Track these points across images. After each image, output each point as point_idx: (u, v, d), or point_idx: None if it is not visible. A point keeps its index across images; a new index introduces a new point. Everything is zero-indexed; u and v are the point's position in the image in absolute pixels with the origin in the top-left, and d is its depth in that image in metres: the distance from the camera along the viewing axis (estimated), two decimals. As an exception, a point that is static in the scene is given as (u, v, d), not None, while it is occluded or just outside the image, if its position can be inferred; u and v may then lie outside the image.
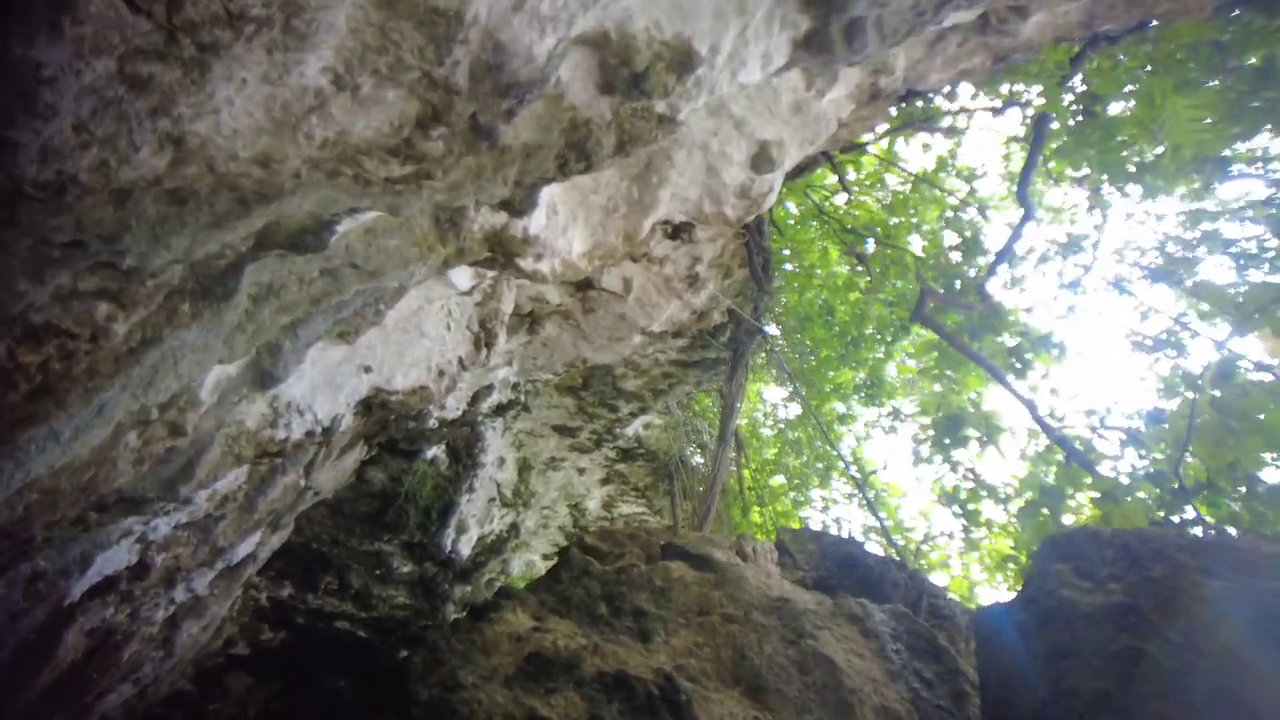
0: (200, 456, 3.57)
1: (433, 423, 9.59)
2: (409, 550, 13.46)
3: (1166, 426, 4.68)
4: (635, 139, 2.70)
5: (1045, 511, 5.02)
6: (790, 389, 12.98)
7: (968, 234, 8.49)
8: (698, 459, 17.97)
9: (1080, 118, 7.62)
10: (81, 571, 4.05)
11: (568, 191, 3.89)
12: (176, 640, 5.67)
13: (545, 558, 20.85)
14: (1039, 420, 7.23)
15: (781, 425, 13.23)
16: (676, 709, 2.90)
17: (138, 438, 2.81)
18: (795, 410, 13.41)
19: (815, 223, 10.28)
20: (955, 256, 8.98)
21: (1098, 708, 1.95)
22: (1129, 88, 6.08)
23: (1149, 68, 6.56)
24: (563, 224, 3.73)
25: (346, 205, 2.19)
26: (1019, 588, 2.80)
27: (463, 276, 5.43)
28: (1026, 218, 8.25)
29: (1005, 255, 8.47)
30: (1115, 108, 6.92)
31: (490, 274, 5.77)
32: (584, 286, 8.97)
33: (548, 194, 3.41)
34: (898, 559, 7.29)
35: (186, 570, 5.09)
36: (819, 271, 11.02)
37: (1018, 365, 8.09)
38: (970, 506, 7.99)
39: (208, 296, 2.25)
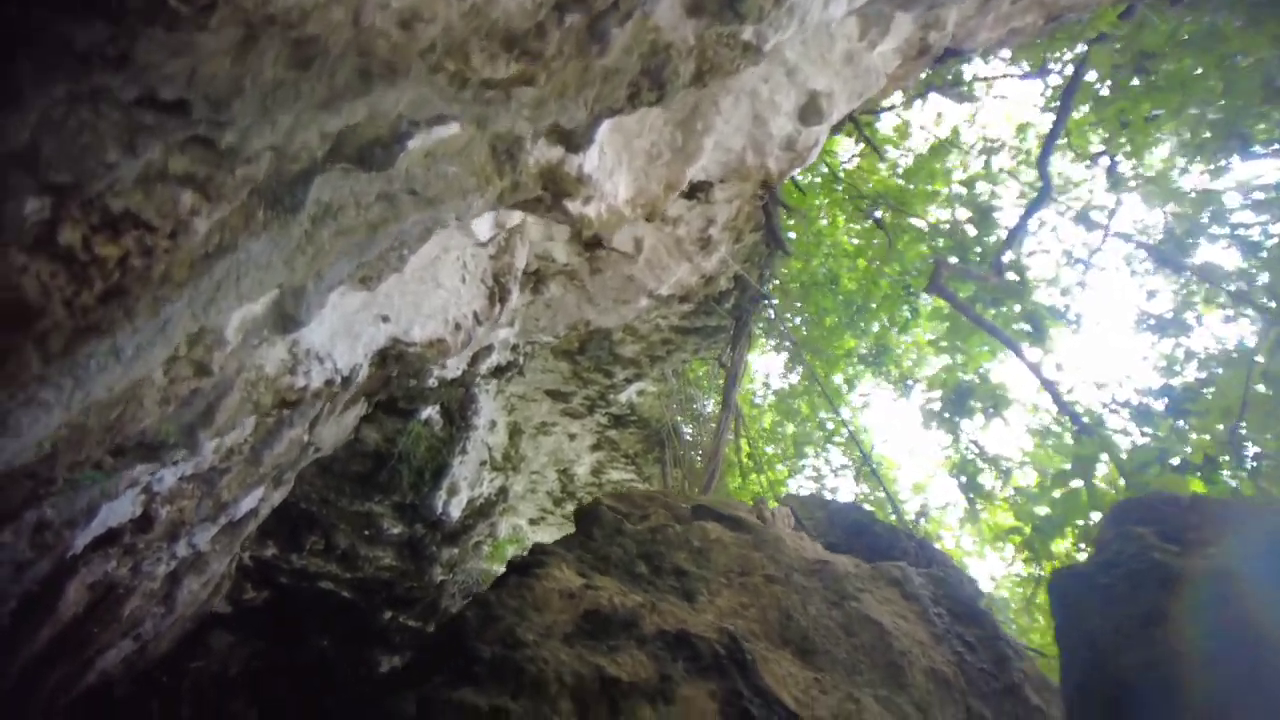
0: (220, 401, 3.34)
1: (432, 382, 9.36)
2: (400, 511, 13.30)
3: (1210, 397, 4.66)
4: (715, 69, 2.49)
5: (1077, 482, 5.00)
6: (790, 357, 12.89)
7: (983, 204, 8.38)
8: (688, 428, 17.97)
9: (1115, 82, 7.48)
10: (87, 522, 3.82)
11: (613, 134, 3.67)
12: (177, 596, 5.47)
13: (532, 522, 20.84)
14: (1052, 392, 7.21)
15: (777, 394, 13.20)
16: (744, 668, 2.81)
17: (164, 375, 2.59)
18: (792, 379, 13.38)
19: (826, 189, 10.09)
20: (970, 228, 8.87)
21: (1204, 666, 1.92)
22: (1174, 51, 5.95)
23: (1190, 37, 6.43)
24: (609, 168, 3.51)
25: (433, 112, 1.98)
26: (1093, 552, 2.75)
27: (484, 225, 5.19)
28: (1045, 190, 8.14)
29: (1021, 228, 8.37)
30: (1150, 75, 6.78)
31: (511, 224, 5.53)
32: (593, 245, 8.72)
33: (599, 134, 3.19)
34: (905, 528, 7.30)
35: (190, 524, 4.88)
36: (826, 240, 10.87)
37: (1031, 336, 8.05)
38: (975, 478, 8.02)
39: (278, 205, 2.02)
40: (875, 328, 11.09)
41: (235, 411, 3.54)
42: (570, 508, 20.28)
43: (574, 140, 2.78)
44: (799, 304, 12.26)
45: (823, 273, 11.63)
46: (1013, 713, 3.17)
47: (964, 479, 8.22)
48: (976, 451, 8.82)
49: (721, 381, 18.41)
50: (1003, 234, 8.47)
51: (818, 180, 10.32)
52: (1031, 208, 8.14)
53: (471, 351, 9.89)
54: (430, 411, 12.05)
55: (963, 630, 3.70)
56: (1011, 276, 8.45)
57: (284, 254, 2.28)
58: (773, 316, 11.68)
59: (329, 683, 18.89)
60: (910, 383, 10.48)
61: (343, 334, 4.30)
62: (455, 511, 15.32)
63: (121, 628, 4.99)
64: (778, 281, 12.11)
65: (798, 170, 4.91)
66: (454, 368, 9.51)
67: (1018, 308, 8.18)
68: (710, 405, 17.34)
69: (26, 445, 1.97)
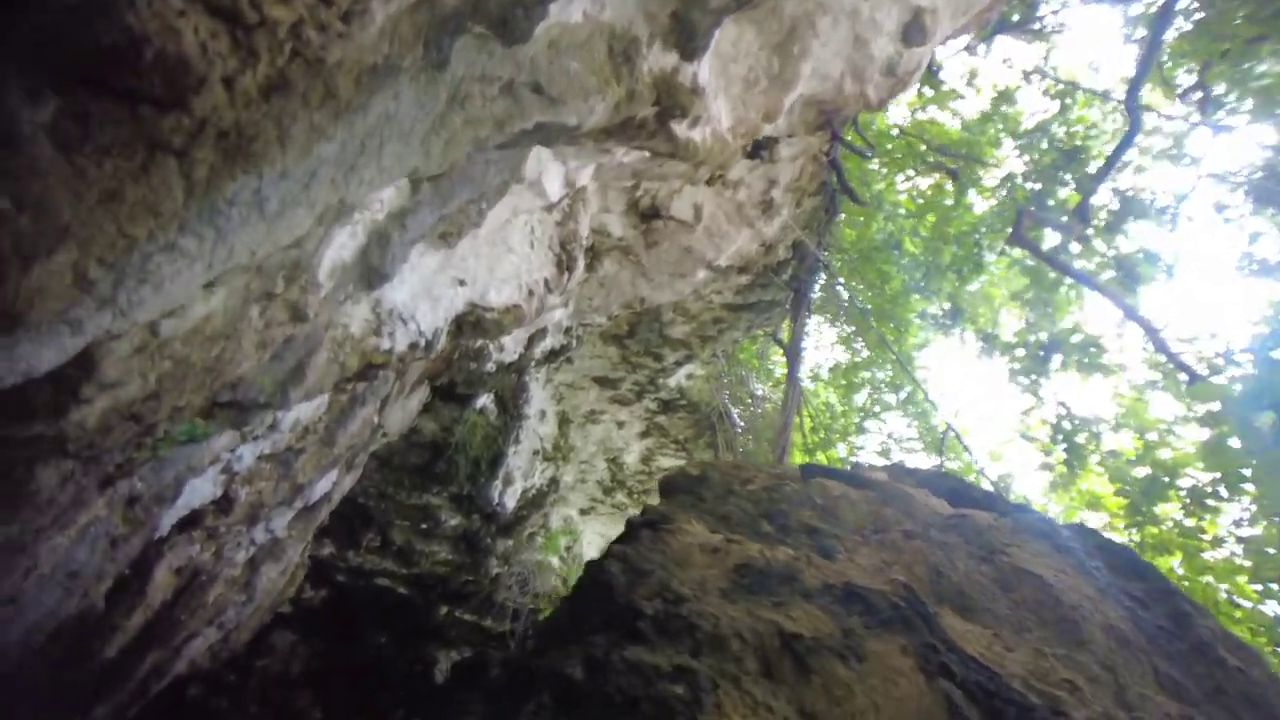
0: (311, 358, 3.13)
1: (490, 366, 9.17)
2: (457, 503, 13.21)
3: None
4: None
5: (1226, 428, 4.52)
6: (851, 327, 12.42)
7: (1065, 148, 7.83)
8: (738, 411, 17.57)
9: (1210, 6, 6.88)
10: (172, 500, 3.66)
11: (710, 60, 3.36)
12: (256, 584, 5.35)
13: (582, 512, 20.70)
14: (1156, 340, 6.67)
15: (833, 370, 12.73)
16: (928, 622, 2.50)
17: (260, 316, 2.38)
18: (855, 350, 12.88)
19: (888, 147, 9.60)
20: (1050, 176, 8.33)
21: None
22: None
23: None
24: (713, 91, 3.20)
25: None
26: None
27: (555, 184, 4.92)
28: (1133, 130, 7.56)
29: (1108, 171, 7.80)
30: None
31: (581, 182, 5.25)
32: (649, 217, 8.42)
33: (712, 41, 2.89)
34: (1001, 493, 6.85)
35: (268, 507, 4.72)
36: (886, 203, 10.39)
37: (1123, 284, 7.50)
38: (1072, 438, 7.51)
39: (429, 50, 1.77)
40: (946, 288, 10.56)
41: (324, 373, 3.33)
42: (620, 497, 20.08)
43: (690, 43, 2.48)
44: (857, 273, 11.78)
45: (881, 238, 11.14)
46: (1206, 674, 2.77)
47: (1059, 441, 7.72)
48: (1064, 413, 8.29)
49: (775, 360, 17.98)
50: (1088, 179, 7.93)
51: (881, 135, 9.83)
52: (1119, 149, 7.57)
53: (526, 335, 9.68)
54: (485, 400, 11.90)
55: (1126, 585, 3.31)
56: (1100, 223, 7.90)
57: (424, 127, 2.02)
58: (832, 285, 11.24)
59: (388, 679, 19.05)
60: (988, 343, 9.93)
61: (423, 296, 4.07)
62: (510, 502, 15.20)
63: (207, 615, 4.86)
64: (832, 252, 11.66)
65: (894, 99, 4.53)
66: (511, 350, 9.31)
67: (1108, 255, 7.64)
68: (761, 388, 16.92)
69: (169, 300, 1.71)
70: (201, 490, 4.03)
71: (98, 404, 1.92)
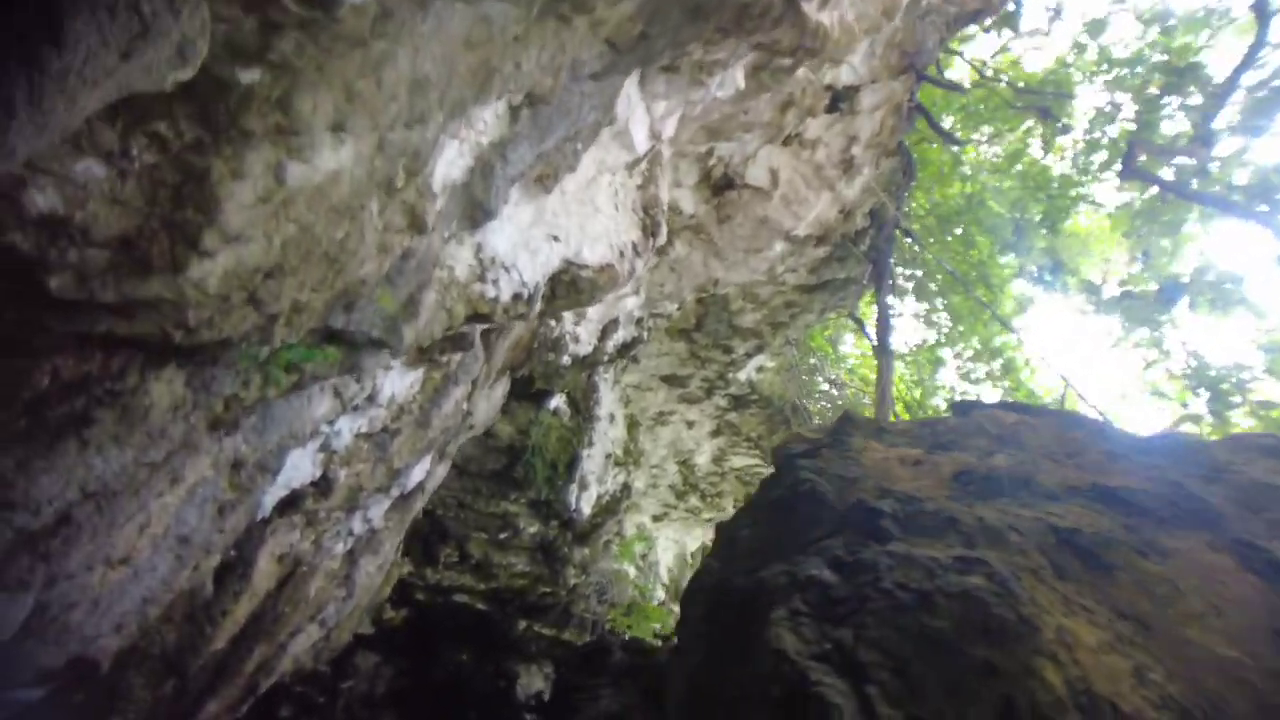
0: (422, 294, 2.90)
1: (566, 359, 8.93)
2: (535, 509, 12.99)
3: None
4: None
5: None
6: (926, 305, 11.76)
7: (1178, 67, 7.10)
8: (810, 404, 16.91)
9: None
10: (275, 473, 3.45)
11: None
12: (355, 578, 5.15)
13: (655, 519, 20.29)
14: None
15: (926, 343, 12.03)
16: (1219, 520, 2.08)
17: (380, 216, 2.13)
18: (938, 321, 12.17)
19: (964, 104, 9.00)
20: (1155, 104, 7.59)
21: None
22: None
23: None
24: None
25: None
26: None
27: (640, 131, 4.63)
28: (1261, 38, 6.80)
29: (1233, 87, 7.04)
30: None
31: (666, 134, 4.95)
32: (721, 188, 8.06)
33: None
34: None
35: (366, 491, 4.50)
36: (966, 161, 9.75)
37: (1263, 209, 6.69)
38: (1219, 388, 6.73)
39: None
40: (1040, 243, 9.81)
41: (433, 315, 3.08)
42: (693, 501, 19.57)
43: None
44: (937, 239, 11.12)
45: (960, 202, 10.49)
46: None
47: (1199, 391, 6.94)
48: (1197, 362, 7.48)
49: (849, 345, 17.24)
50: (1210, 100, 7.17)
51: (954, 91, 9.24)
52: (1247, 59, 6.81)
53: (599, 326, 9.42)
54: (558, 401, 11.68)
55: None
56: (1225, 149, 7.13)
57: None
58: (911, 254, 10.64)
59: (469, 696, 18.92)
60: (1093, 295, 9.13)
61: (521, 247, 3.82)
62: (586, 508, 14.91)
63: (309, 609, 4.67)
64: (908, 220, 11.04)
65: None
66: (586, 342, 9.05)
67: (1238, 180, 6.86)
68: (835, 375, 16.24)
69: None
70: (301, 469, 3.83)
71: (219, 260, 1.69)
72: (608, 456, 15.61)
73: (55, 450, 1.91)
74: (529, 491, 12.52)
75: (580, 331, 8.70)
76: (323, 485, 4.04)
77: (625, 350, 10.99)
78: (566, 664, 4.36)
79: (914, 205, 11.10)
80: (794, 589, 1.73)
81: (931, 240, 11.09)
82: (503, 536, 14.63)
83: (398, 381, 4.22)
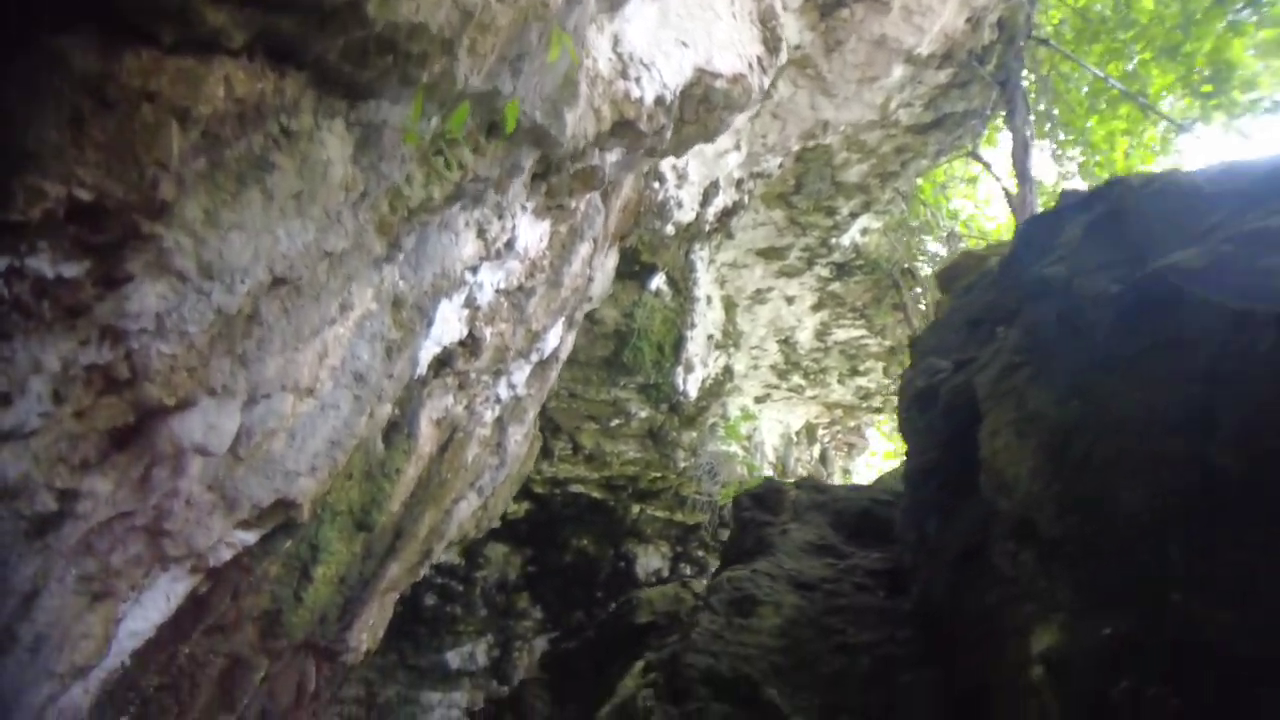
0: (577, 76, 2.52)
1: (669, 228, 8.48)
2: (645, 393, 13.00)
3: None
4: None
5: None
6: (1047, 143, 10.32)
7: None
8: (923, 262, 15.79)
9: None
10: (429, 324, 3.26)
11: None
12: (506, 446, 5.15)
13: (757, 400, 20.13)
14: None
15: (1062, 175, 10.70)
16: None
17: None
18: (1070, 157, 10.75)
19: None
20: None
21: None
22: None
23: None
24: None
25: None
26: None
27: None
28: None
29: None
30: None
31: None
32: (830, 8, 7.08)
33: None
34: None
35: (511, 351, 4.34)
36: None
37: None
38: None
39: None
40: (1205, 46, 8.23)
41: (584, 110, 2.70)
42: (796, 379, 19.20)
43: None
44: (1058, 73, 9.61)
45: (1099, 8, 8.90)
46: None
47: None
48: None
49: (960, 196, 15.79)
50: None
51: None
52: None
53: (700, 188, 8.82)
54: (659, 281, 11.31)
55: None
56: None
57: None
58: (1046, 71, 9.24)
59: (594, 578, 20.13)
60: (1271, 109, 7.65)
61: (655, 48, 3.35)
62: (692, 390, 14.82)
63: (468, 476, 4.71)
64: (1035, 38, 9.51)
65: None
66: (689, 207, 8.52)
67: None
68: (953, 226, 14.97)
69: None
70: (450, 326, 3.68)
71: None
72: (709, 338, 15.33)
73: (240, 200, 1.74)
74: (637, 376, 12.48)
75: (683, 195, 8.16)
76: (470, 345, 3.90)
77: (725, 217, 10.36)
78: (740, 503, 4.22)
79: (1046, 17, 9.58)
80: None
81: (1070, 57, 9.58)
82: (614, 424, 14.85)
83: (530, 232, 3.94)
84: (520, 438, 5.32)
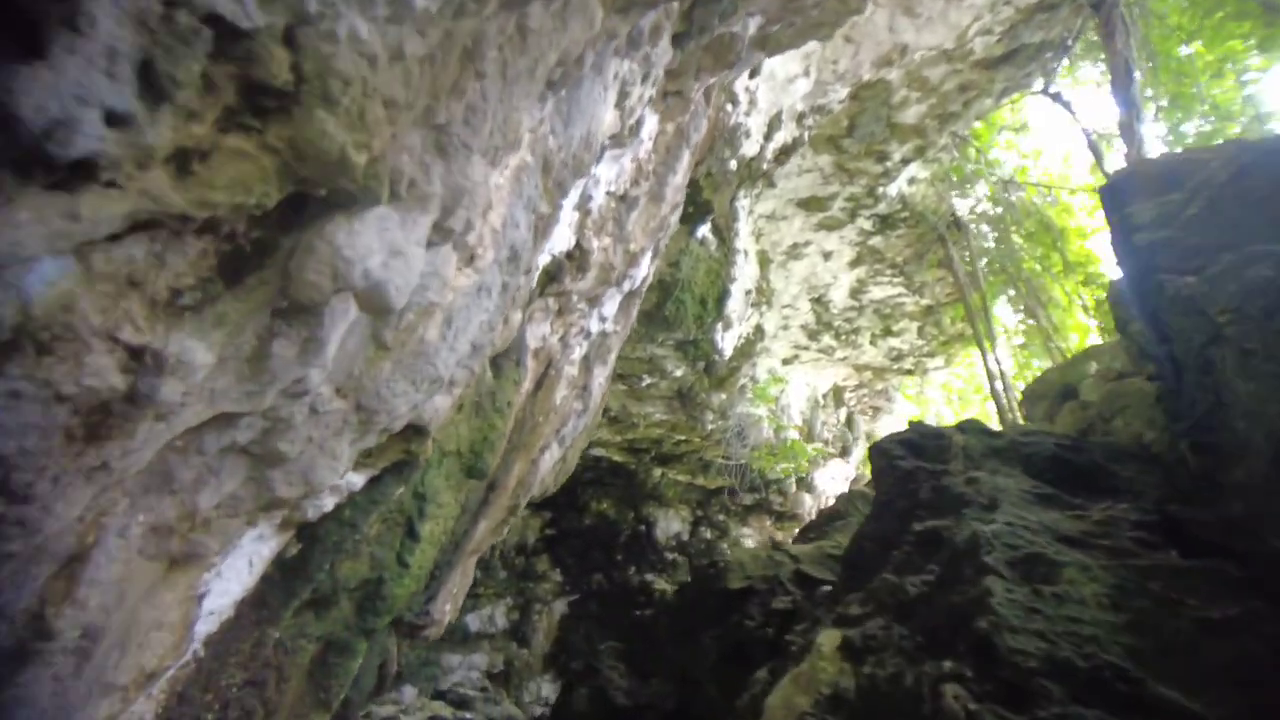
0: None
1: (733, 163, 7.74)
2: (683, 350, 12.36)
3: None
4: None
5: None
6: (1142, 59, 9.46)
7: None
8: (971, 218, 15.06)
9: None
10: (559, 212, 2.58)
11: None
12: (591, 389, 4.54)
13: (785, 362, 19.59)
14: None
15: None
16: None
17: None
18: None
19: None
20: None
21: None
22: None
23: None
24: None
25: None
26: None
27: None
28: None
29: None
30: None
31: None
32: (930, -96, 6.26)
33: None
34: None
35: (615, 270, 3.68)
36: None
37: None
38: None
39: None
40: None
41: None
42: (827, 340, 18.63)
43: None
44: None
45: None
46: None
47: None
48: None
49: (1011, 143, 14.97)
50: None
51: None
52: None
53: (765, 120, 8.06)
54: (705, 229, 10.58)
55: None
56: None
57: None
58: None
59: (614, 541, 19.88)
60: None
61: None
62: (729, 348, 14.22)
63: (555, 420, 4.11)
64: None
65: None
66: (755, 139, 7.78)
67: None
68: (1004, 174, 14.19)
69: None
70: (561, 233, 3.00)
71: None
72: (747, 293, 14.66)
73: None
74: (677, 331, 11.82)
75: (751, 124, 7.41)
76: (579, 258, 3.24)
77: (784, 155, 9.60)
78: (888, 452, 3.59)
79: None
80: None
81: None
82: (646, 384, 14.27)
83: (649, 122, 3.24)
84: (603, 380, 4.70)
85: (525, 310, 2.75)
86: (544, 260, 2.83)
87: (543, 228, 2.24)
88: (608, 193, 3.19)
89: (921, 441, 3.57)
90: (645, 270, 4.50)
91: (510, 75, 1.40)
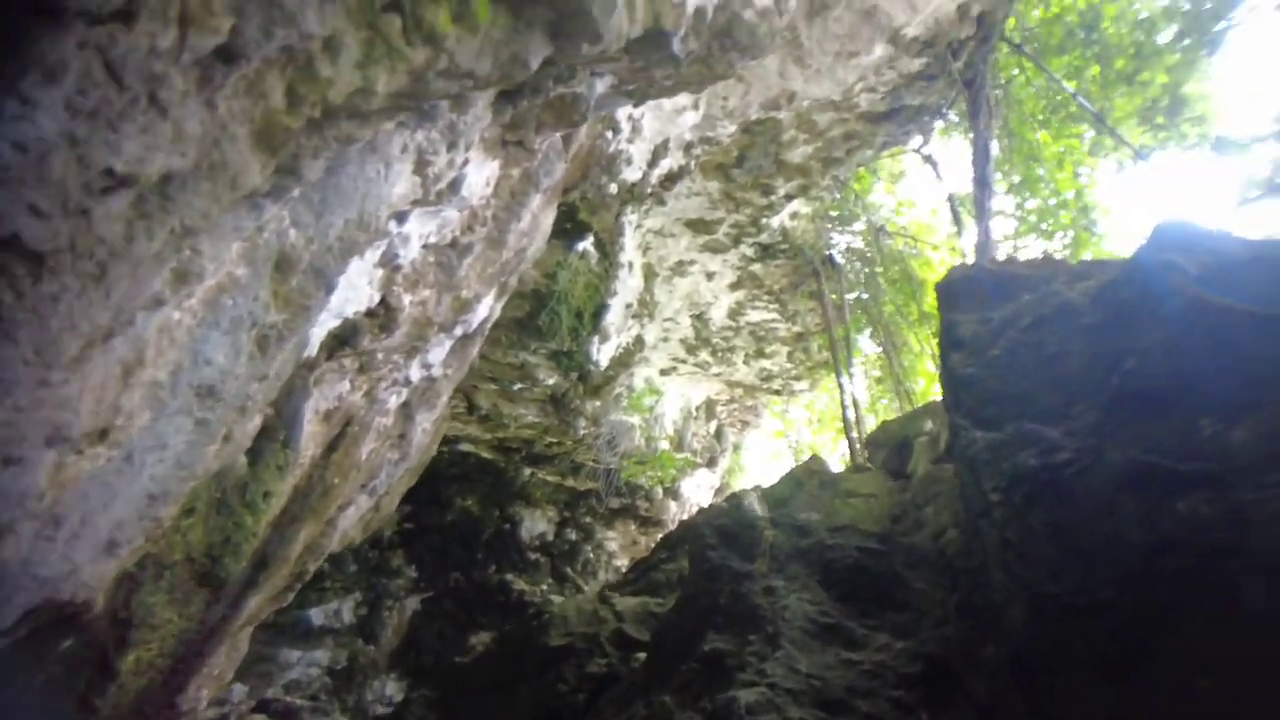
0: None
1: (613, 187, 7.54)
2: (555, 360, 12.07)
3: None
4: None
5: None
6: (1004, 134, 10.22)
7: None
8: (840, 255, 15.78)
9: None
10: (325, 296, 2.24)
11: None
12: (411, 436, 4.16)
13: (663, 372, 19.80)
14: None
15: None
16: None
17: None
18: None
19: None
20: None
21: None
22: None
23: None
24: None
25: None
26: None
27: None
28: None
29: None
30: None
31: None
32: (823, -34, 6.32)
33: None
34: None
35: (434, 326, 3.35)
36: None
37: None
38: None
39: None
40: (1160, 78, 8.27)
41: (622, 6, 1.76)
42: (703, 355, 18.97)
43: None
44: (1036, 69, 9.42)
45: (1068, 23, 8.76)
46: None
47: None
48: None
49: (880, 194, 15.78)
50: None
51: None
52: None
53: (651, 148, 7.91)
54: (587, 243, 10.33)
55: None
56: None
57: None
58: (1007, 79, 9.03)
59: (475, 539, 19.38)
60: (1222, 149, 7.82)
61: None
62: (604, 360, 14.08)
63: (360, 478, 3.70)
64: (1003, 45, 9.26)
65: None
66: (637, 165, 7.61)
67: None
68: (873, 220, 14.94)
69: None
70: (358, 289, 2.64)
71: None
72: (628, 307, 14.56)
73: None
74: (550, 342, 11.51)
75: (634, 151, 7.23)
76: (383, 315, 2.89)
77: (669, 182, 9.53)
78: (701, 537, 3.47)
79: (1016, 24, 9.32)
80: None
81: (1025, 71, 9.42)
82: (518, 388, 13.87)
83: (477, 174, 2.94)
84: (429, 425, 4.33)
85: (290, 389, 2.38)
86: (328, 328, 2.47)
87: (285, 330, 1.89)
88: (425, 245, 2.86)
89: (735, 529, 3.53)
90: (486, 311, 4.18)
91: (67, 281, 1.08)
